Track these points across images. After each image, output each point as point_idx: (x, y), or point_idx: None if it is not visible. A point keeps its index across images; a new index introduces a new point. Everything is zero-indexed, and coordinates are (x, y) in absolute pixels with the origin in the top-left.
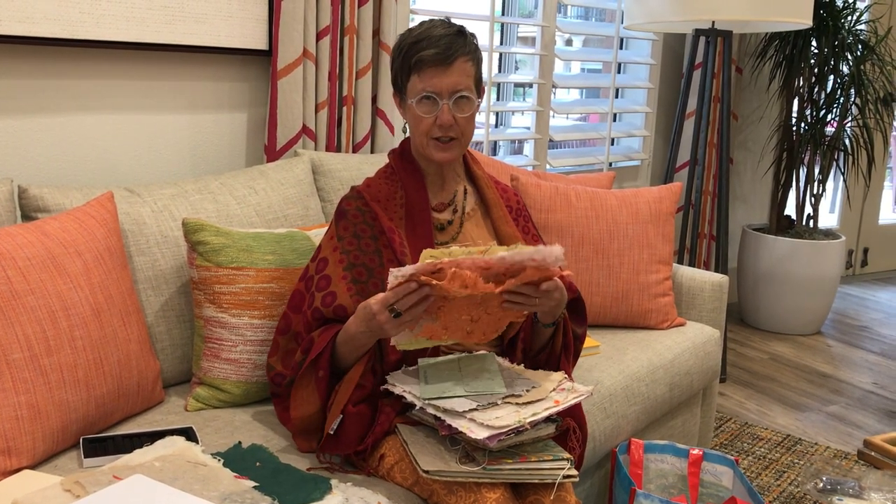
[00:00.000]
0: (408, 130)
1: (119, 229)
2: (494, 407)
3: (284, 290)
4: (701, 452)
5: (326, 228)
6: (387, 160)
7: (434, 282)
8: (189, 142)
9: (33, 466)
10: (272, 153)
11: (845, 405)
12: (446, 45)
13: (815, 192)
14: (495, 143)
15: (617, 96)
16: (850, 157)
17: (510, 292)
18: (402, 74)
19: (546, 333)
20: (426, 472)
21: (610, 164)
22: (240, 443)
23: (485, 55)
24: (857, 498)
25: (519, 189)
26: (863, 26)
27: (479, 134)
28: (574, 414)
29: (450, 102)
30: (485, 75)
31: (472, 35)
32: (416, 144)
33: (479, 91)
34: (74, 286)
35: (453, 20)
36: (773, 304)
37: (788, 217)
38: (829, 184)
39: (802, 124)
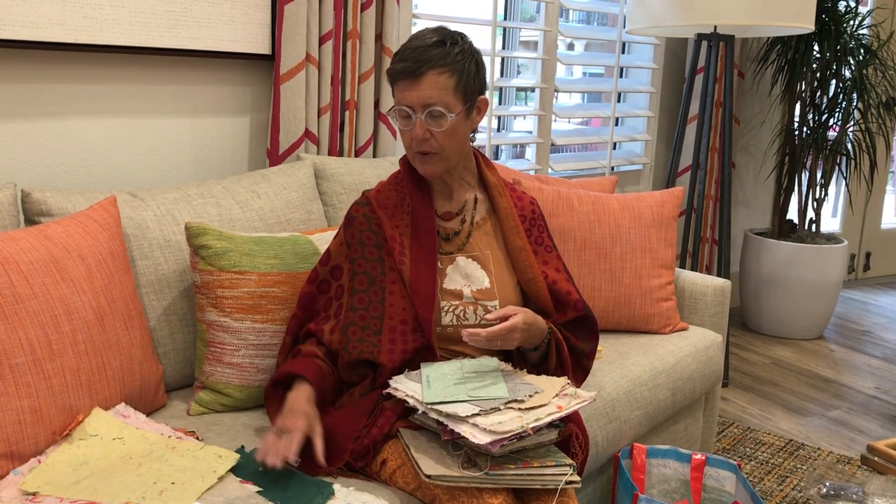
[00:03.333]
0: None
1: (122, 233)
2: (497, 412)
3: (287, 294)
4: (703, 457)
5: (335, 233)
6: (390, 164)
7: None
8: (192, 146)
9: None
10: (275, 157)
11: (848, 410)
12: (415, 57)
13: (817, 196)
14: (497, 147)
15: (619, 100)
16: (853, 162)
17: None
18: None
19: (533, 356)
20: (428, 476)
21: (612, 169)
22: (243, 447)
23: (486, 59)
24: (860, 503)
25: None
26: (865, 31)
27: (481, 138)
28: (573, 420)
29: (422, 116)
30: (487, 80)
31: (461, 46)
32: (408, 156)
33: (468, 103)
34: (77, 290)
35: (455, 25)
36: (776, 309)
37: (790, 221)
38: (832, 188)
39: (804, 128)
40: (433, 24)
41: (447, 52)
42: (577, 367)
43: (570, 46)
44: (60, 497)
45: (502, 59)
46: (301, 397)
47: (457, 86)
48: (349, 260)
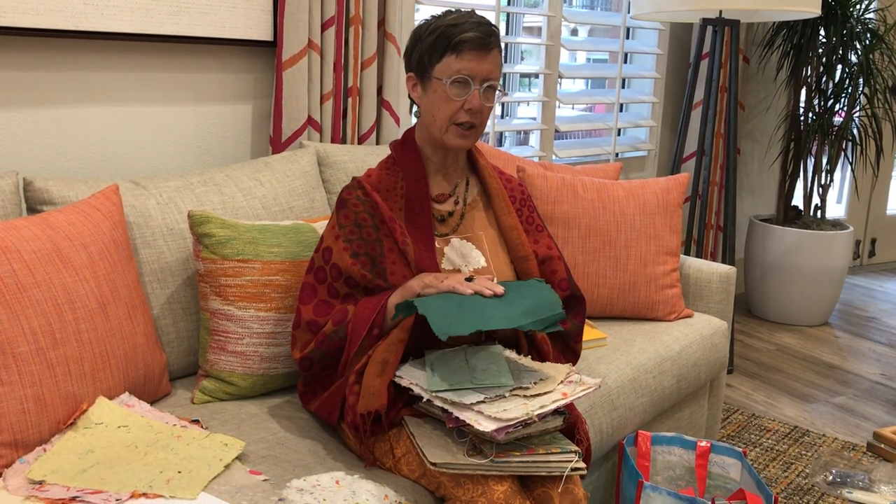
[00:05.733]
0: (419, 115)
1: (124, 222)
2: (502, 399)
3: (290, 282)
4: (709, 444)
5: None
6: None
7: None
8: (194, 134)
9: None
10: (277, 145)
11: (853, 396)
12: (486, 31)
13: (822, 182)
14: (501, 133)
15: (623, 86)
16: (859, 147)
17: None
18: (433, 54)
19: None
20: (433, 464)
21: (616, 155)
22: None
23: None
24: (866, 491)
25: (525, 180)
26: (871, 15)
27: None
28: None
29: (480, 89)
30: None
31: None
32: (432, 129)
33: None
34: (80, 279)
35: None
36: (781, 295)
37: (796, 208)
38: (837, 174)
39: (810, 114)
40: (437, 10)
41: (498, 34)
42: (568, 352)
43: (574, 32)
44: (67, 485)
45: (506, 45)
46: (417, 277)
47: (501, 66)
48: (342, 239)
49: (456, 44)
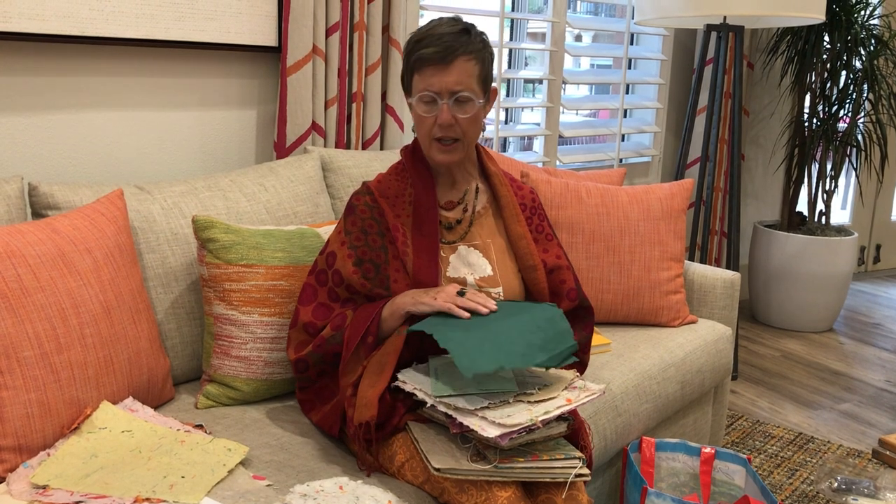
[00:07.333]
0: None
1: (129, 227)
2: (506, 405)
3: (294, 287)
4: (713, 451)
5: (336, 224)
6: (398, 157)
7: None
8: (198, 139)
9: None
10: (282, 150)
11: (858, 403)
12: (446, 44)
13: (827, 188)
14: (505, 139)
15: (627, 92)
16: (863, 153)
17: None
18: (407, 73)
19: None
20: (437, 470)
21: (620, 161)
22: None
23: (494, 51)
24: (872, 498)
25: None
26: (876, 21)
27: (489, 130)
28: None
29: (449, 102)
30: (494, 72)
31: (481, 33)
32: (422, 145)
33: (486, 91)
34: (84, 284)
35: (463, 17)
36: (785, 302)
37: (800, 214)
38: (842, 180)
39: (815, 120)
40: (441, 16)
41: (472, 40)
42: (575, 362)
43: (578, 38)
44: (71, 490)
45: (510, 51)
46: (406, 293)
47: (480, 73)
48: (347, 245)
49: (416, 62)
